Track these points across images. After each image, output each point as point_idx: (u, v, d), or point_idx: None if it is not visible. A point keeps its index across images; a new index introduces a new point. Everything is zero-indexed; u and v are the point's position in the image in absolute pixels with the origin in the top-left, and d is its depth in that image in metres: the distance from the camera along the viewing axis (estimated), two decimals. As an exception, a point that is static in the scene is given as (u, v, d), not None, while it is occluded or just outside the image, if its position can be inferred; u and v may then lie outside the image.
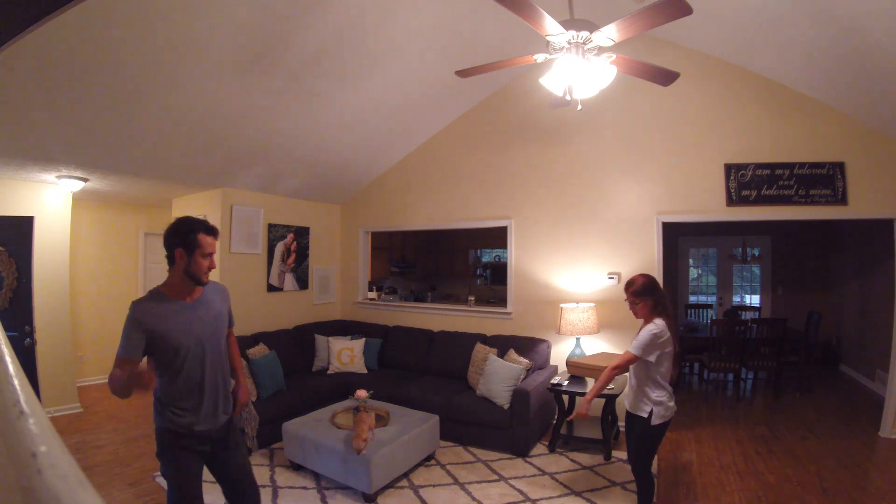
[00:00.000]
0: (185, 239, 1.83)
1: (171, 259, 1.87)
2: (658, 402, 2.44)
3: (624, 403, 2.72)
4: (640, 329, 2.53)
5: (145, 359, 1.85)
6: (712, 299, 7.98)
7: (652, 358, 2.41)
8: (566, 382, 3.83)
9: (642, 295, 2.49)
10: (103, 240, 5.95)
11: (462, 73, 2.59)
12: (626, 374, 2.75)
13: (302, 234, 5.62)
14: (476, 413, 3.89)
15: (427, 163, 5.54)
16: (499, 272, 7.74)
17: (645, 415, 2.46)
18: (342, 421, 3.46)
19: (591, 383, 3.75)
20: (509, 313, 4.88)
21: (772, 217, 3.98)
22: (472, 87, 4.78)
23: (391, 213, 5.82)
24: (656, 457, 3.61)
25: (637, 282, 2.52)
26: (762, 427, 4.26)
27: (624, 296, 2.60)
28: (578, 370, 3.84)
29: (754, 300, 7.80)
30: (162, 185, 4.71)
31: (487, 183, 5.10)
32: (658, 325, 2.43)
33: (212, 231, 1.90)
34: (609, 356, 3.93)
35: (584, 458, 3.67)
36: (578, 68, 2.16)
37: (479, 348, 4.40)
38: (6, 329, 0.54)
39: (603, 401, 3.72)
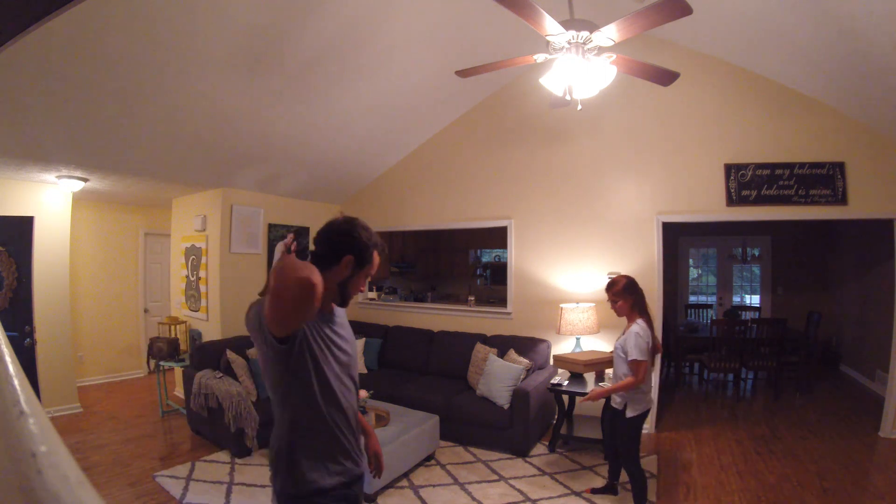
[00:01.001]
0: (363, 250, 1.43)
1: (327, 261, 1.40)
2: (631, 399, 2.66)
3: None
4: (625, 331, 2.75)
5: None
6: (712, 299, 7.98)
7: (645, 357, 2.61)
8: (566, 382, 3.83)
9: (622, 294, 2.73)
10: (103, 240, 5.95)
11: (462, 73, 2.59)
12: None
13: (302, 234, 5.62)
14: (476, 413, 3.89)
15: (427, 163, 5.54)
16: (499, 272, 7.73)
17: (620, 408, 2.69)
18: (342, 421, 3.46)
19: (589, 380, 3.77)
20: (509, 313, 4.88)
21: (772, 217, 3.98)
22: (473, 88, 4.78)
23: (391, 213, 5.82)
24: (656, 456, 3.63)
25: (618, 282, 2.76)
26: (762, 427, 4.26)
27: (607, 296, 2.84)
28: (564, 364, 3.87)
29: (754, 300, 7.80)
30: (162, 185, 4.71)
31: (487, 183, 5.10)
32: (641, 326, 2.65)
33: (382, 252, 1.56)
34: (597, 353, 3.96)
35: (584, 458, 3.67)
36: (578, 68, 2.17)
37: (479, 348, 4.40)
38: (6, 329, 0.54)
39: (603, 401, 3.72)
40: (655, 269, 4.18)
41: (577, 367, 3.75)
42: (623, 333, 2.78)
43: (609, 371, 3.68)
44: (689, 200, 4.15)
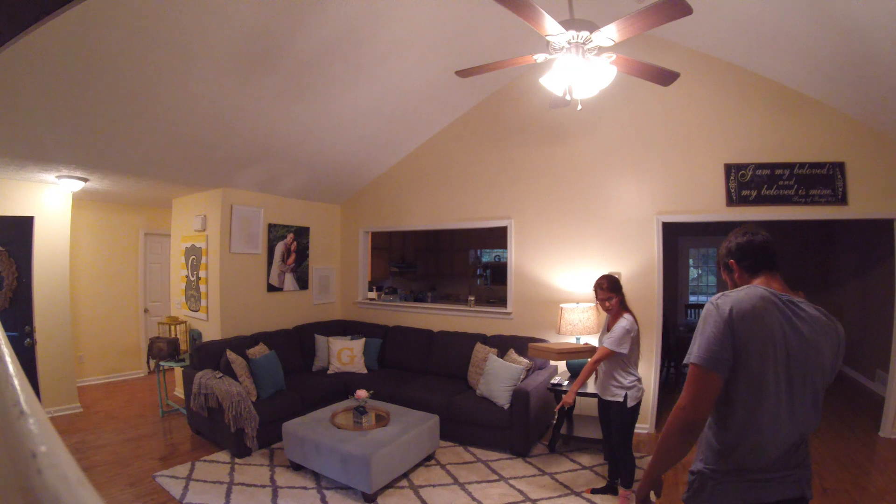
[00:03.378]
0: None
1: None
2: (631, 386, 2.78)
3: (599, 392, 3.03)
4: (607, 325, 2.93)
5: None
6: (712, 299, 7.96)
7: (624, 350, 2.74)
8: (566, 382, 3.83)
9: (613, 291, 2.87)
10: (103, 240, 5.95)
11: (462, 74, 2.59)
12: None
13: (302, 234, 5.62)
14: (476, 413, 3.89)
15: (427, 163, 5.54)
16: (499, 272, 7.74)
17: (620, 399, 2.79)
18: (342, 421, 3.46)
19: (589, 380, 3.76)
20: (509, 313, 4.88)
21: (772, 217, 3.98)
22: (473, 88, 4.78)
23: (391, 213, 5.82)
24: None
25: (606, 281, 2.89)
26: (762, 427, 4.25)
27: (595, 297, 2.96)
28: (539, 353, 3.83)
29: (754, 300, 7.78)
30: (162, 185, 4.71)
31: (487, 183, 5.10)
32: (629, 320, 2.79)
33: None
34: (570, 345, 3.92)
35: (584, 458, 3.67)
36: (578, 68, 2.17)
37: (479, 348, 4.40)
38: (6, 329, 0.54)
39: (597, 400, 3.72)
40: (655, 269, 4.18)
41: (551, 356, 3.75)
42: (608, 329, 2.91)
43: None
44: (689, 200, 4.15)
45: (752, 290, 1.33)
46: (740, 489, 1.26)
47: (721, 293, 1.37)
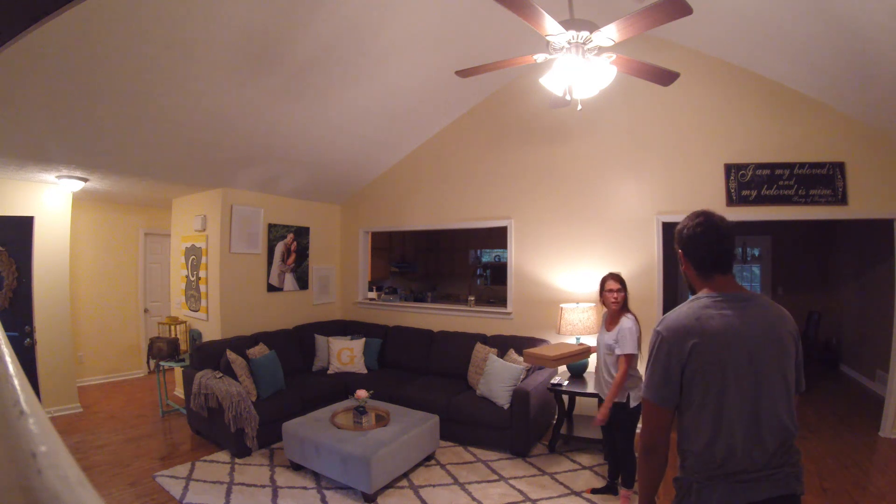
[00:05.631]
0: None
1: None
2: (633, 386, 2.77)
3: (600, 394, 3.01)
4: (605, 324, 2.96)
5: None
6: (712, 299, 7.95)
7: (639, 350, 2.74)
8: (566, 382, 3.83)
9: (624, 286, 2.91)
10: (103, 240, 5.95)
11: (462, 74, 2.59)
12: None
13: (302, 234, 5.62)
14: (476, 413, 3.89)
15: (427, 163, 5.54)
16: (499, 272, 7.74)
17: (623, 399, 2.77)
18: (342, 421, 3.46)
19: (588, 379, 3.75)
20: (509, 313, 4.88)
21: (772, 217, 3.98)
22: (473, 88, 4.78)
23: (391, 213, 5.82)
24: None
25: (618, 275, 2.96)
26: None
27: (602, 292, 2.99)
28: (534, 360, 3.61)
29: (754, 300, 7.78)
30: (162, 185, 4.71)
31: (488, 183, 5.10)
32: (632, 320, 2.81)
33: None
34: (567, 346, 3.77)
35: (584, 458, 3.67)
36: (578, 68, 2.17)
37: (479, 348, 4.40)
38: (6, 329, 0.54)
39: (596, 400, 3.72)
40: (655, 269, 4.18)
41: (547, 363, 3.54)
42: (608, 330, 2.90)
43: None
44: (689, 200, 4.15)
45: (690, 307, 1.38)
46: (726, 491, 1.26)
47: (663, 317, 1.41)
